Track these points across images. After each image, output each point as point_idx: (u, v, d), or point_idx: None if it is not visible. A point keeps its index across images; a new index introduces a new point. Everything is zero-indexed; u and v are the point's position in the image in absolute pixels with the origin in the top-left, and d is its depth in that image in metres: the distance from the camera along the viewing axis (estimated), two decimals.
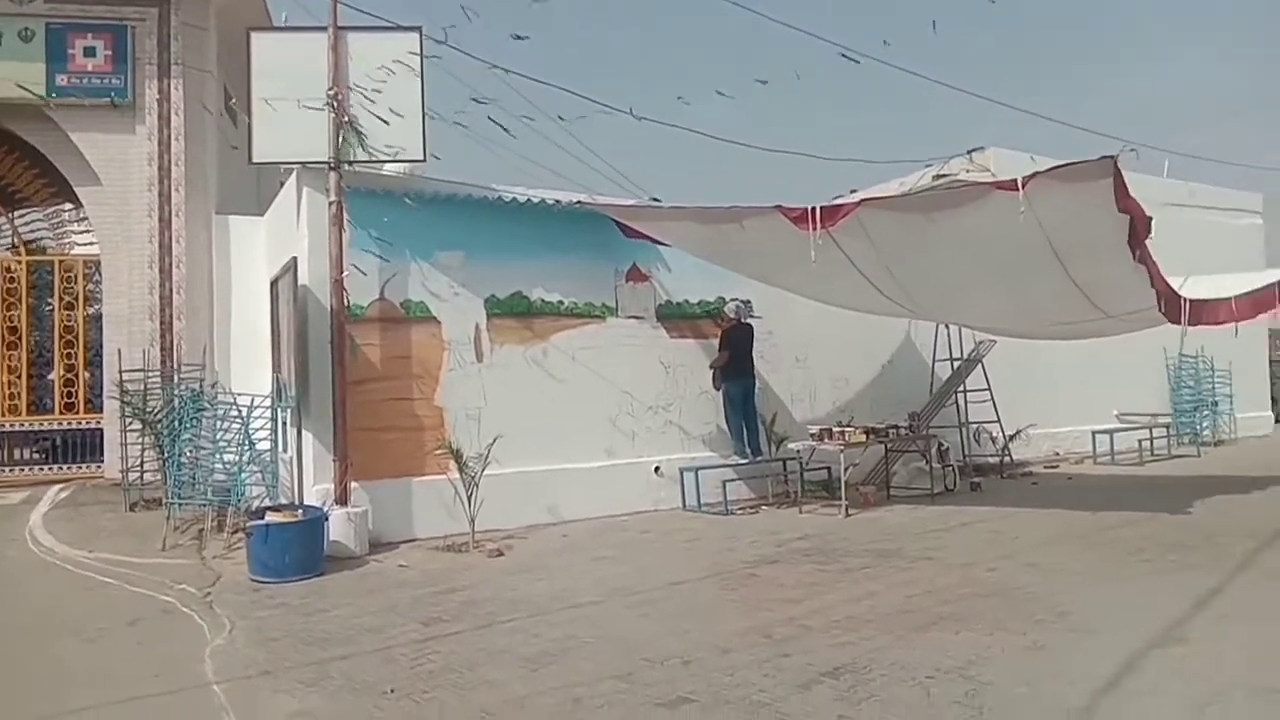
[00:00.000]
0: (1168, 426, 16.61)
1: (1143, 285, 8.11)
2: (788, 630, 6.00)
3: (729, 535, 9.55)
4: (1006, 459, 14.09)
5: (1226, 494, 11.16)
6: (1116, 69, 62.15)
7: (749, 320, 11.89)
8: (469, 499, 9.21)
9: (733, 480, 11.42)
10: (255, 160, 9.34)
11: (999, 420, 13.99)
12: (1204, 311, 9.16)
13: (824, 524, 10.07)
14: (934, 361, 14.05)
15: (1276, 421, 20.35)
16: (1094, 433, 15.58)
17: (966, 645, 5.53)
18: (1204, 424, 17.70)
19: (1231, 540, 8.33)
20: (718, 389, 11.79)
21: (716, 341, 11.81)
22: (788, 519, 10.53)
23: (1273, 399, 20.60)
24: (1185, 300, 8.79)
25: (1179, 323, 8.85)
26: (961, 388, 13.72)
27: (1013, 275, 8.98)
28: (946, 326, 13.85)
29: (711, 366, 11.74)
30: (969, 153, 15.38)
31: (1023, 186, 7.22)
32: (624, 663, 5.45)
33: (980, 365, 13.70)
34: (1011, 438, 14.19)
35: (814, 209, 8.21)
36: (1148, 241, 7.55)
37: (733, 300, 11.96)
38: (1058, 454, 15.77)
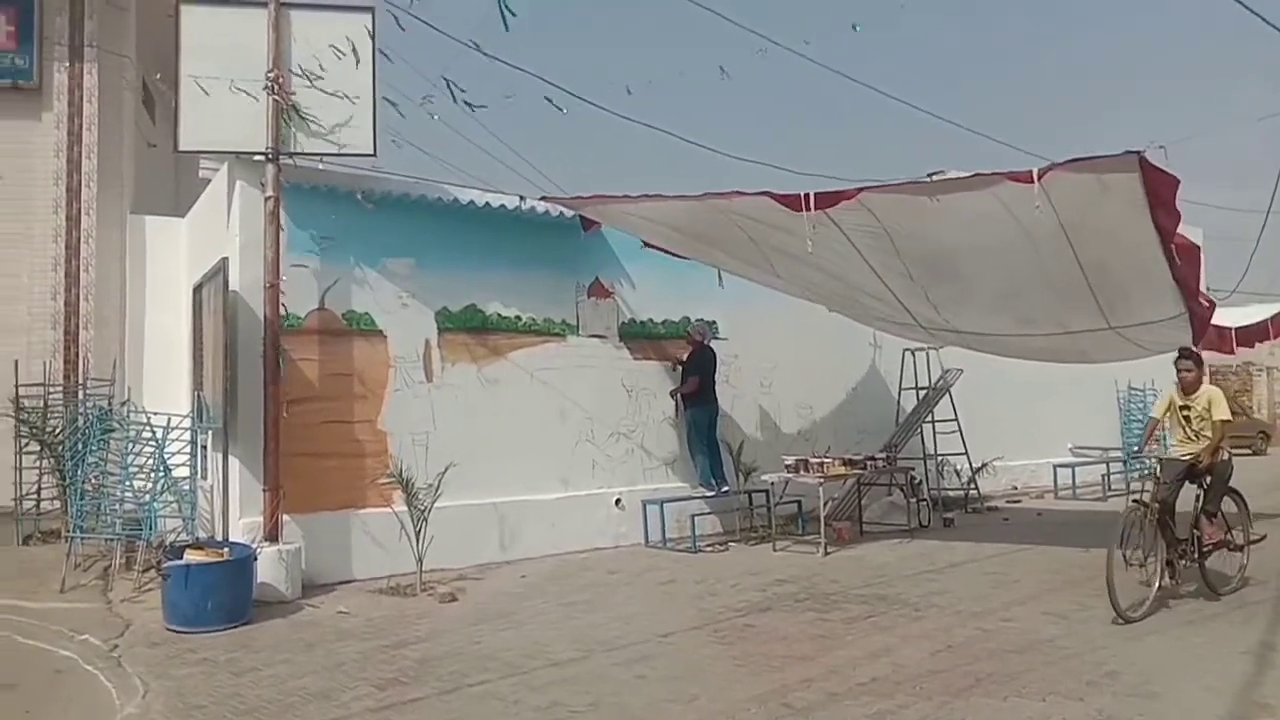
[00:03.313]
0: (1123, 460, 16.32)
1: (1162, 291, 7.56)
2: (809, 696, 5.19)
3: (705, 577, 8.69)
4: (973, 492, 13.54)
5: None
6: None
7: (711, 343, 11.14)
8: (417, 535, 8.23)
9: (700, 515, 10.59)
10: (182, 148, 8.25)
11: (966, 452, 13.44)
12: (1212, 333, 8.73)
13: (804, 563, 9.30)
14: (900, 390, 13.48)
15: None
16: (1055, 466, 15.19)
17: (1022, 716, 4.79)
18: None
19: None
20: (678, 415, 11.01)
21: (682, 364, 11.03)
22: (762, 557, 9.73)
23: None
24: (1204, 303, 8.28)
25: (1194, 331, 8.36)
26: (930, 417, 13.15)
27: (1021, 274, 8.37)
28: (913, 354, 13.31)
29: (676, 394, 10.97)
30: (929, 176, 14.92)
31: (1038, 178, 6.63)
32: None
33: (949, 395, 13.15)
34: (978, 470, 13.66)
35: (806, 194, 7.47)
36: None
37: (698, 320, 11.21)
38: (1015, 488, 15.33)
